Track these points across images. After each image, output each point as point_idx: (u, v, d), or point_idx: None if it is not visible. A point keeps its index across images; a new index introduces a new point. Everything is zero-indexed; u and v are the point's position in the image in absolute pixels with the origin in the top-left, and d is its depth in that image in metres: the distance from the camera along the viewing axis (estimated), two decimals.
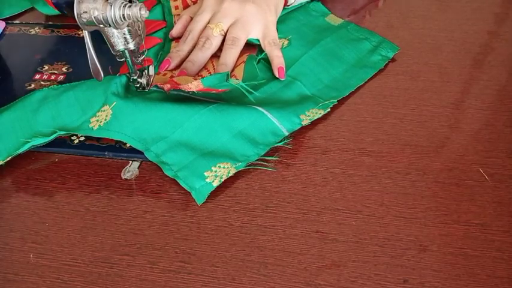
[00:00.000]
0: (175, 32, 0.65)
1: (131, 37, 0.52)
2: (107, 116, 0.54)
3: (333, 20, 0.66)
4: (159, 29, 0.67)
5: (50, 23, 0.70)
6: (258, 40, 0.61)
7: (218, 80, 0.55)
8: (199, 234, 0.46)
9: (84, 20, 0.48)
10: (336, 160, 0.51)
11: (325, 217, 0.47)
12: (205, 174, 0.49)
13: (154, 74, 0.60)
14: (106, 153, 0.53)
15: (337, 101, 0.56)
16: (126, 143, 0.53)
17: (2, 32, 0.69)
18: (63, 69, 0.63)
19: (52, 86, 0.59)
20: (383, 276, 0.42)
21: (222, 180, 0.49)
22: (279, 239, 0.45)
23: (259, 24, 0.60)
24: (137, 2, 0.50)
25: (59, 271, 0.45)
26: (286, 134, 0.53)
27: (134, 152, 0.53)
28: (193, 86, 0.54)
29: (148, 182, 0.51)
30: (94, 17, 0.48)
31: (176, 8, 0.69)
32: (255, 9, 0.60)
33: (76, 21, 0.48)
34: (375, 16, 0.68)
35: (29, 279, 0.44)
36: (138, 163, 0.53)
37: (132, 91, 0.57)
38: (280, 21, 0.65)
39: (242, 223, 0.47)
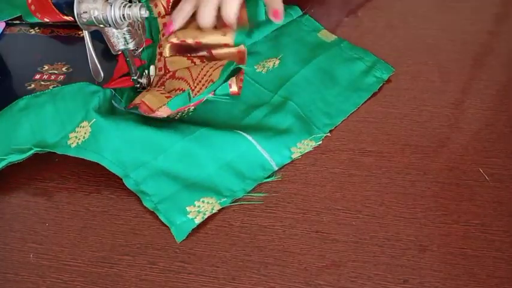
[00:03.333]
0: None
1: (131, 37, 0.52)
2: (85, 133, 0.51)
3: (326, 36, 0.63)
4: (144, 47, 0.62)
5: (50, 23, 0.70)
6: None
7: (181, 100, 0.51)
8: (199, 234, 0.46)
9: (84, 20, 0.48)
10: (336, 160, 0.51)
11: (325, 217, 0.47)
12: (188, 209, 0.47)
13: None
14: None
15: (330, 131, 0.53)
16: None
17: (2, 32, 0.69)
18: (63, 69, 0.63)
19: (35, 93, 0.56)
20: (383, 276, 0.42)
21: (205, 217, 0.47)
22: (279, 239, 0.46)
23: None
24: (137, 2, 0.50)
25: (59, 271, 0.45)
26: (275, 168, 0.50)
27: None
28: (163, 111, 0.51)
29: None
30: (94, 17, 0.48)
31: (164, 25, 0.64)
32: None
33: (76, 21, 0.48)
34: (375, 16, 0.67)
35: (29, 279, 0.44)
36: None
37: (115, 108, 0.55)
38: (272, 38, 0.63)
39: (242, 223, 0.47)
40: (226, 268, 0.44)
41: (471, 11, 0.67)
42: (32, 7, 0.67)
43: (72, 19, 0.66)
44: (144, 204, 0.48)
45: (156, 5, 0.65)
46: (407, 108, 0.55)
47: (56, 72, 0.62)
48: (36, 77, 0.62)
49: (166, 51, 0.60)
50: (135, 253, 0.46)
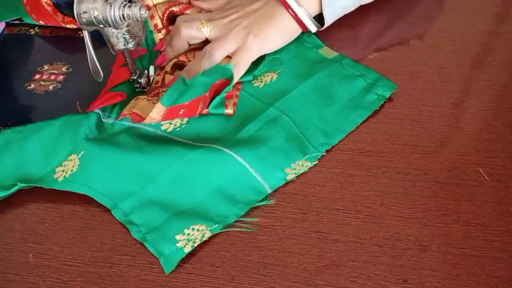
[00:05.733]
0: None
1: (131, 37, 0.52)
2: (73, 166, 0.50)
3: (327, 52, 0.61)
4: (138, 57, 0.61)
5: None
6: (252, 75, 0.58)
7: (175, 90, 0.50)
8: None
9: (84, 20, 0.48)
10: (335, 160, 0.51)
11: (325, 217, 0.47)
12: (177, 237, 0.45)
13: (154, 74, 0.60)
14: None
15: (326, 151, 0.51)
16: None
17: (1, 32, 0.69)
18: (63, 69, 0.63)
19: (15, 128, 0.54)
20: (383, 276, 0.42)
21: (195, 245, 0.45)
22: (279, 239, 0.45)
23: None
24: (137, 2, 0.50)
25: (59, 271, 0.45)
26: (269, 191, 0.48)
27: None
28: (156, 113, 0.49)
29: None
30: (94, 17, 0.48)
31: (161, 40, 0.64)
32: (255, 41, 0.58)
33: (70, 26, 0.48)
34: (375, 16, 0.67)
35: (29, 279, 0.44)
36: None
37: (104, 129, 0.54)
38: (271, 53, 0.60)
39: (242, 223, 0.47)
40: (226, 268, 0.44)
41: (471, 11, 0.67)
42: (28, 7, 0.67)
43: (67, 25, 0.66)
44: (133, 236, 0.46)
45: (152, 17, 0.63)
46: (407, 108, 0.55)
47: (55, 72, 0.62)
48: (36, 77, 0.62)
49: (169, 67, 0.59)
50: (135, 253, 0.46)
